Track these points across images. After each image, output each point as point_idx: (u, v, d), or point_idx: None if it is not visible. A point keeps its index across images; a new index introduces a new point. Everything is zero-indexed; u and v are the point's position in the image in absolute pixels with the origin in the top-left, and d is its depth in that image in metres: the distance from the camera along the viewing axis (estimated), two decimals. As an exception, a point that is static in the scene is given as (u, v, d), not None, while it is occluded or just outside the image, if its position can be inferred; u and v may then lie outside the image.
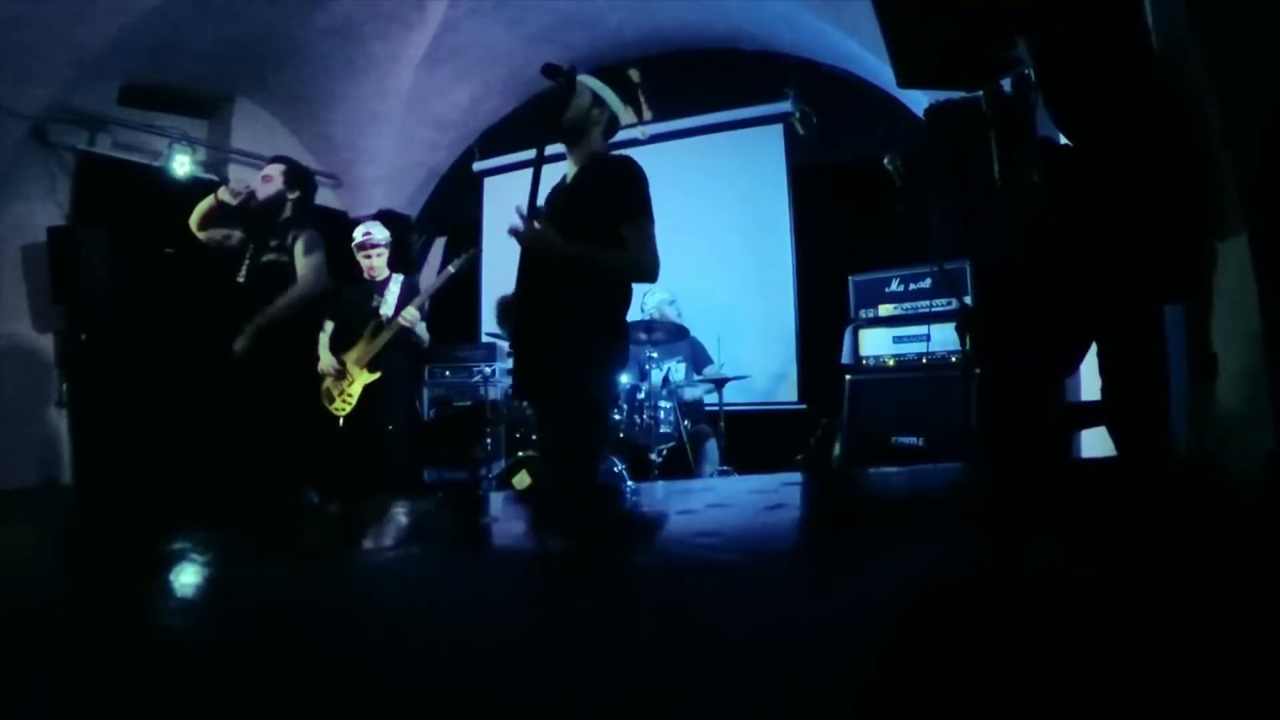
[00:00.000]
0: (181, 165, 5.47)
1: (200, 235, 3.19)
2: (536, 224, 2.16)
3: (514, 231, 2.20)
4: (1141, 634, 0.42)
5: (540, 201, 2.27)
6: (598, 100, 2.36)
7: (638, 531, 0.98)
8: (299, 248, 3.00)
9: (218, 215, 3.13)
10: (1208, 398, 1.67)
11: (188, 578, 0.69)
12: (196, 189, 5.58)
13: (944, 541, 0.73)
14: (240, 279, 3.12)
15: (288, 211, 3.13)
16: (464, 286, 6.01)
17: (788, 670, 0.39)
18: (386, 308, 3.90)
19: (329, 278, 3.16)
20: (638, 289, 2.36)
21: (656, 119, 6.11)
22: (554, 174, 2.40)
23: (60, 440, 5.18)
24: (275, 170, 3.14)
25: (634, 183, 2.19)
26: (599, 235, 2.14)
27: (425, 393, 5.96)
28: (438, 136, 6.67)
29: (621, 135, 2.49)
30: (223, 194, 3.07)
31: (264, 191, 3.07)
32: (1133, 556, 0.59)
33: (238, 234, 3.19)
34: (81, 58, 4.71)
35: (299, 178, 3.16)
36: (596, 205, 2.17)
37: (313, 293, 3.03)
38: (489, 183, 6.93)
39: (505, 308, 2.59)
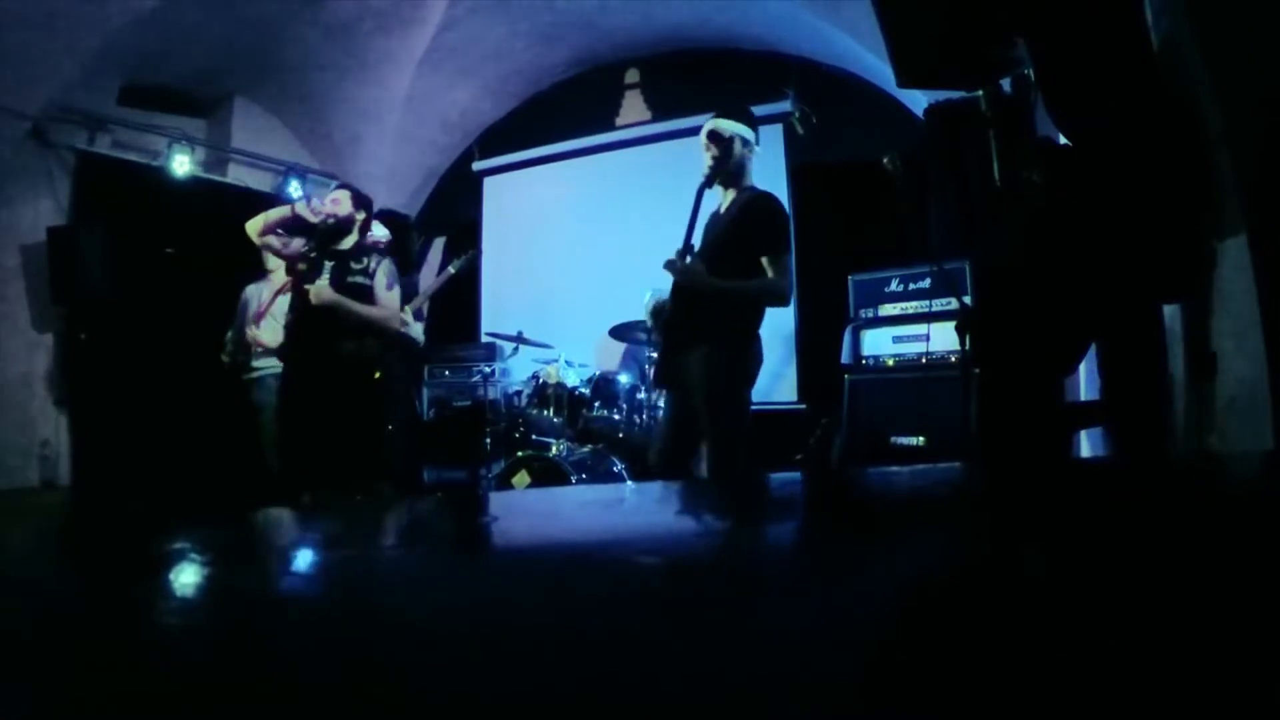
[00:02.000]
0: (181, 165, 5.47)
1: (257, 239, 3.44)
2: (689, 260, 2.57)
3: (669, 265, 2.60)
4: (1141, 634, 0.42)
5: (699, 228, 2.68)
6: (745, 141, 2.70)
7: (637, 531, 0.98)
8: (381, 279, 3.27)
9: (289, 225, 3.43)
10: (1207, 398, 1.67)
11: (187, 578, 0.69)
12: (196, 189, 5.60)
13: (944, 541, 0.73)
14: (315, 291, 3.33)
15: (354, 233, 3.35)
16: (463, 287, 6.01)
17: (788, 670, 0.39)
18: None
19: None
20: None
21: (656, 119, 6.16)
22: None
23: (60, 440, 5.18)
24: (343, 195, 3.37)
25: (780, 220, 2.62)
26: (745, 260, 2.56)
27: (425, 393, 5.96)
28: (437, 136, 6.67)
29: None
30: (301, 208, 3.36)
31: (339, 213, 3.30)
32: (1132, 556, 0.59)
33: (296, 242, 3.43)
34: (81, 58, 4.71)
35: (364, 202, 3.42)
36: (745, 236, 2.58)
37: (391, 322, 3.30)
38: (489, 182, 6.93)
39: (661, 310, 2.84)
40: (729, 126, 2.69)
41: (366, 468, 3.35)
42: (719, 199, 2.73)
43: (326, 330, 3.16)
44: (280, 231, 3.42)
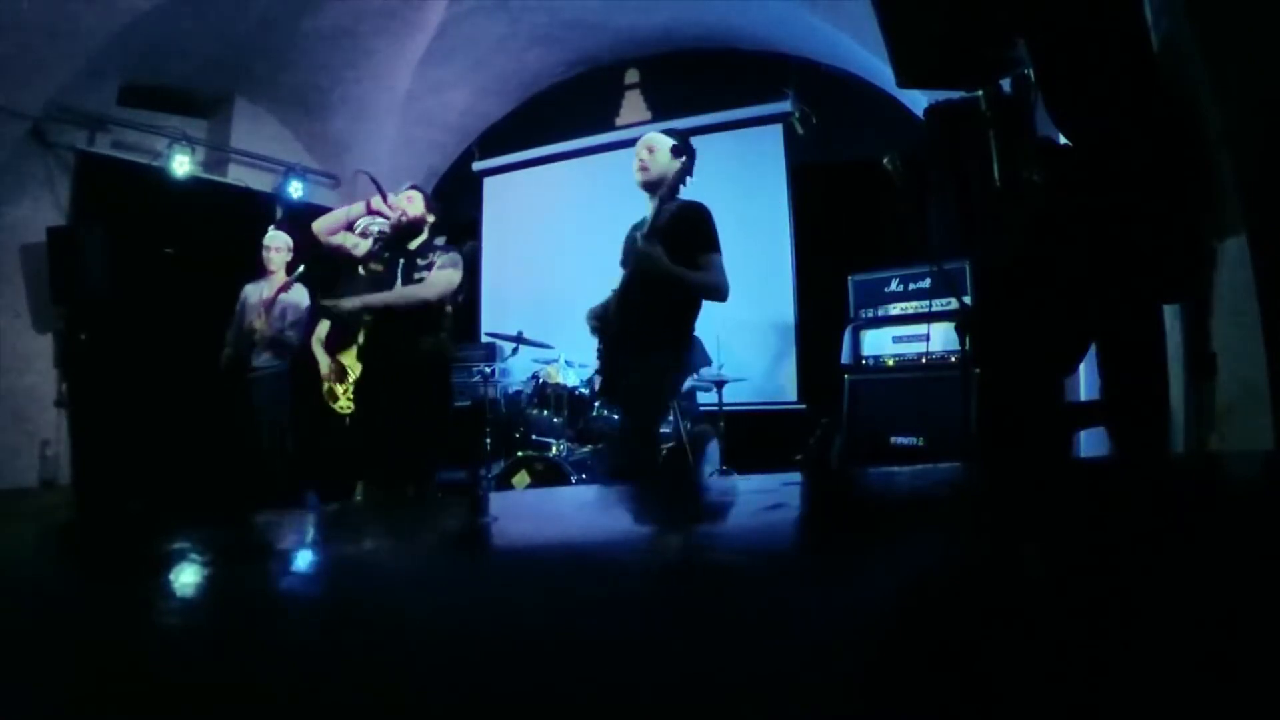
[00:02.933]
0: (181, 165, 5.47)
1: (325, 238, 3.39)
2: (650, 243, 2.65)
3: (631, 248, 2.71)
4: (1141, 634, 0.42)
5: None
6: (679, 153, 2.82)
7: (637, 531, 0.98)
8: (440, 260, 3.27)
9: (356, 222, 3.43)
10: (1207, 398, 1.67)
11: (187, 578, 0.69)
12: (196, 189, 5.61)
13: (944, 541, 0.73)
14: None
15: (425, 233, 3.37)
16: (463, 287, 6.01)
17: (788, 669, 0.39)
18: None
19: (457, 292, 3.39)
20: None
21: (656, 119, 6.16)
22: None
23: (60, 440, 5.18)
24: (416, 195, 3.38)
25: (712, 223, 2.76)
26: (682, 262, 2.65)
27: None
28: (437, 136, 6.67)
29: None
30: (378, 203, 3.36)
31: (411, 212, 3.31)
32: (1132, 556, 0.59)
33: (366, 243, 3.42)
34: (81, 58, 4.71)
35: (434, 206, 3.44)
36: (681, 238, 2.69)
37: (428, 295, 3.22)
38: (488, 182, 6.93)
39: (595, 318, 2.81)
40: (666, 139, 2.83)
41: (427, 464, 3.39)
42: (646, 210, 2.82)
43: (398, 329, 3.20)
44: (352, 229, 3.42)
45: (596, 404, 4.40)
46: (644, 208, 2.80)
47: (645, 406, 2.71)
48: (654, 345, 2.68)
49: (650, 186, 2.81)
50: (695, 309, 2.80)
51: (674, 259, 2.65)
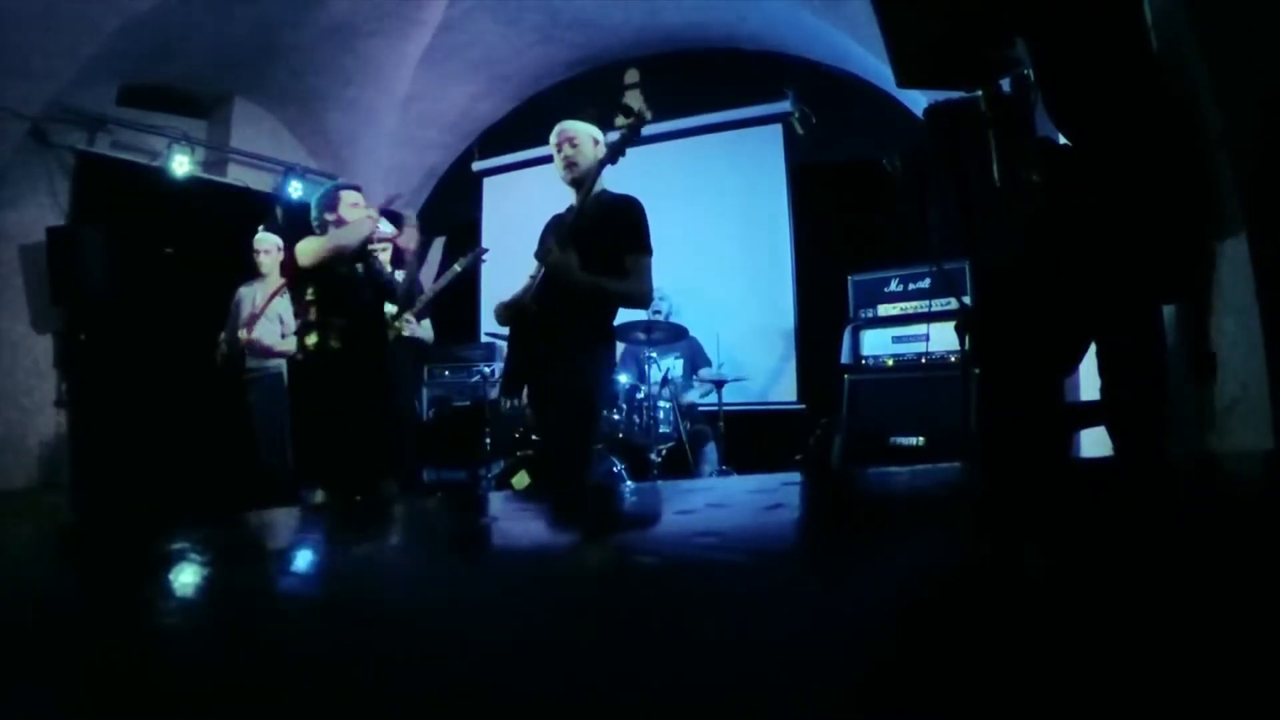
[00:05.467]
0: (181, 165, 5.47)
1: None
2: (561, 250, 2.46)
3: (543, 253, 2.54)
4: (1141, 634, 0.42)
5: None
6: (597, 140, 2.67)
7: (637, 531, 0.98)
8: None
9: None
10: (1207, 398, 1.67)
11: (187, 578, 0.69)
12: (196, 189, 5.61)
13: (944, 541, 0.73)
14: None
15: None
16: (464, 286, 6.01)
17: (788, 669, 0.39)
18: (386, 306, 3.90)
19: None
20: None
21: (656, 119, 6.15)
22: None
23: (60, 440, 5.18)
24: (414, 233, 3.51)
25: (645, 221, 2.53)
26: (606, 260, 2.46)
27: (425, 393, 5.95)
28: (437, 136, 6.67)
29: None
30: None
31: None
32: (1132, 556, 0.59)
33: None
34: (81, 58, 4.71)
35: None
36: (609, 235, 2.49)
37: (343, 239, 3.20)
38: (488, 182, 6.93)
39: (505, 310, 2.67)
40: (582, 126, 2.67)
41: (381, 464, 3.35)
42: (569, 201, 2.66)
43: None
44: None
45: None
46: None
47: (578, 422, 2.48)
48: (579, 348, 2.47)
49: (576, 183, 2.60)
50: (615, 307, 2.60)
51: (599, 258, 2.45)
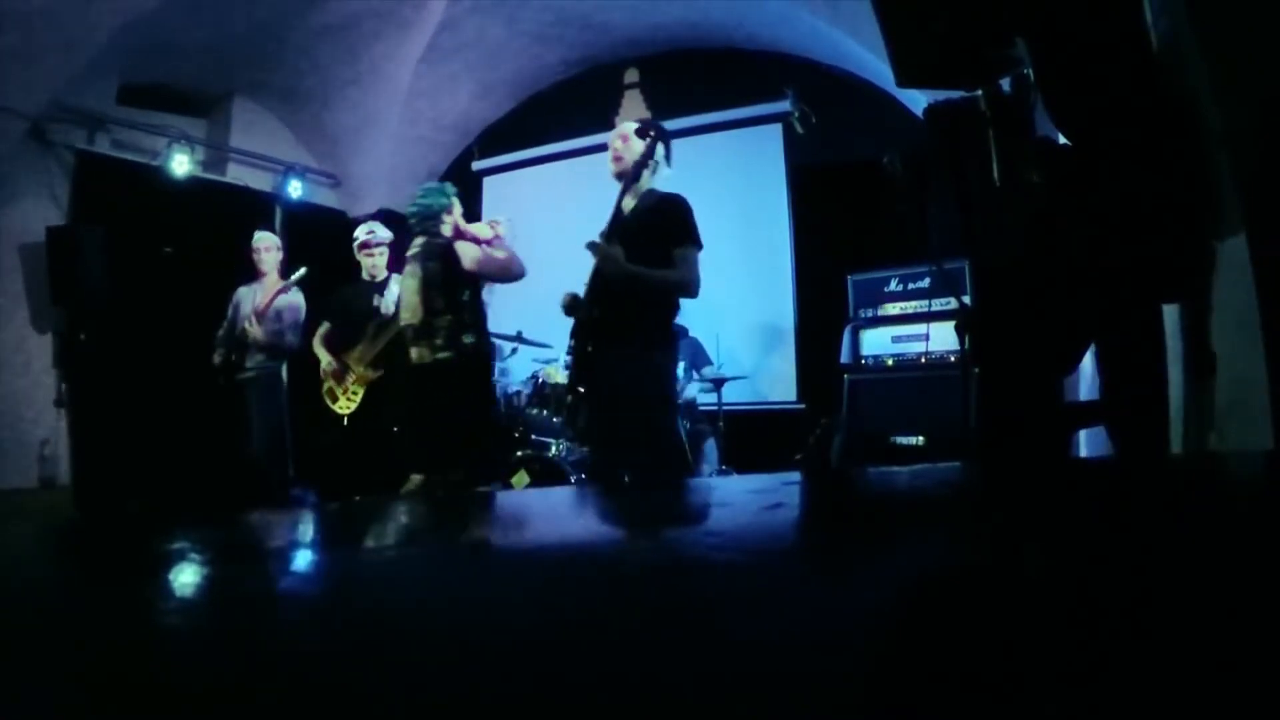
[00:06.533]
0: (180, 164, 5.47)
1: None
2: (608, 244, 2.57)
3: (592, 245, 2.62)
4: (1141, 634, 0.42)
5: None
6: (662, 146, 2.80)
7: (637, 531, 0.98)
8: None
9: None
10: (1207, 398, 1.67)
11: (187, 578, 0.69)
12: (195, 188, 5.61)
13: (944, 541, 0.73)
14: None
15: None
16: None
17: (787, 669, 0.39)
18: (386, 307, 3.90)
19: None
20: None
21: (656, 118, 6.15)
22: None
23: (59, 440, 5.18)
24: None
25: (691, 216, 2.64)
26: (655, 255, 2.55)
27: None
28: (437, 136, 6.67)
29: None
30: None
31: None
32: (1132, 556, 0.59)
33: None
34: (81, 57, 4.71)
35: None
36: (657, 230, 2.60)
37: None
38: (488, 182, 6.93)
39: (573, 304, 2.74)
40: (636, 126, 2.81)
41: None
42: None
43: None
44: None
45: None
46: None
47: (656, 407, 2.58)
48: (645, 342, 2.56)
49: (622, 176, 2.75)
50: (674, 301, 2.68)
51: (647, 252, 2.55)
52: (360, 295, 4.04)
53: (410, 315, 3.35)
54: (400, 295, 3.53)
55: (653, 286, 2.57)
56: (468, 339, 3.31)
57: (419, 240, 3.41)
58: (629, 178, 2.70)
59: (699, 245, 2.62)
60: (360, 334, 3.93)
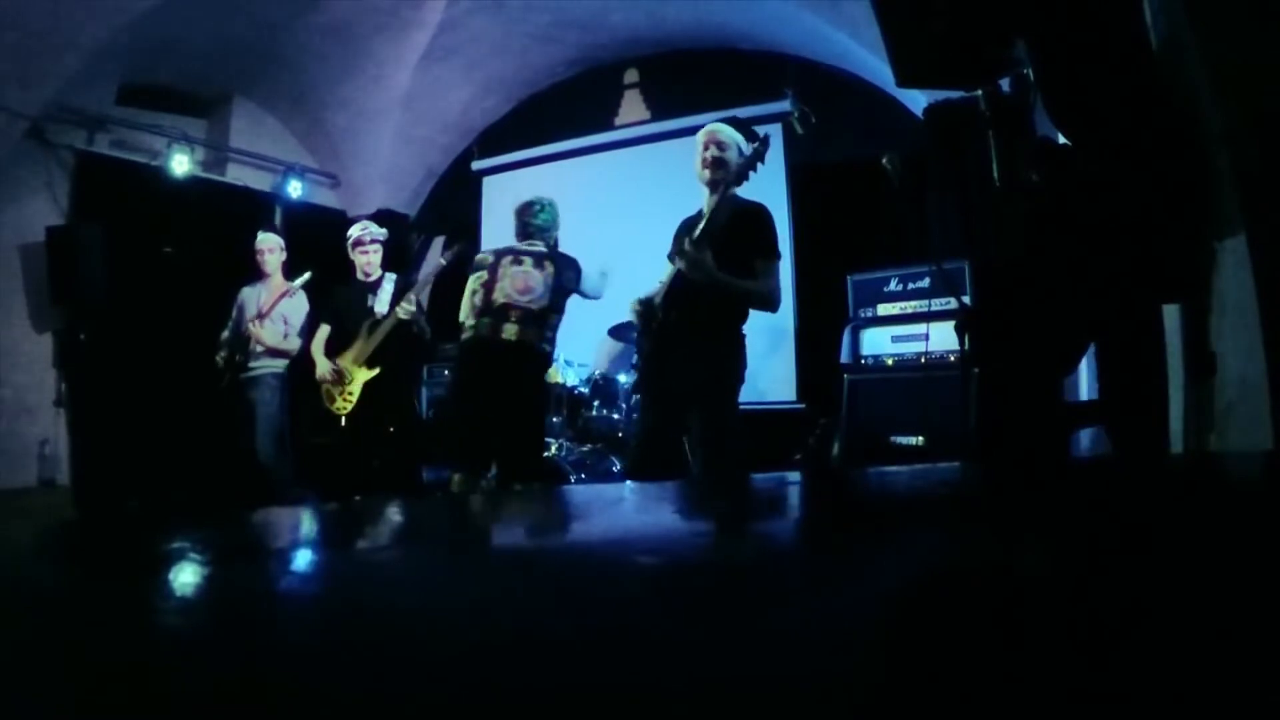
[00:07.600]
0: (180, 164, 5.47)
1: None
2: (697, 250, 2.54)
3: (678, 253, 2.61)
4: (1141, 634, 0.42)
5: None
6: (742, 151, 2.74)
7: (636, 530, 0.98)
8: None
9: None
10: (1207, 398, 1.67)
11: (187, 577, 0.69)
12: (195, 188, 5.61)
13: (944, 541, 0.73)
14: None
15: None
16: (464, 286, 6.02)
17: (787, 669, 0.39)
18: (380, 305, 3.90)
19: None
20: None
21: (655, 119, 6.16)
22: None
23: (59, 440, 5.18)
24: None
25: (773, 227, 2.67)
26: (737, 264, 2.55)
27: (425, 392, 5.95)
28: (436, 136, 6.67)
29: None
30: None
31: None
32: (1132, 556, 0.59)
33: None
34: (80, 57, 4.71)
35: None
36: (740, 239, 2.59)
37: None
38: (488, 182, 6.93)
39: (646, 309, 2.75)
40: (732, 134, 2.74)
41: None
42: (701, 204, 2.72)
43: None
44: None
45: (596, 403, 4.35)
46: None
47: (722, 403, 2.61)
48: (714, 346, 2.60)
49: (715, 184, 2.68)
50: (746, 310, 2.69)
51: (729, 261, 2.54)
52: (356, 296, 4.03)
53: (526, 298, 3.36)
54: (508, 275, 3.46)
55: (736, 296, 2.60)
56: (548, 346, 3.46)
57: (538, 242, 3.50)
58: (728, 183, 2.65)
59: (779, 257, 2.67)
60: (355, 334, 3.93)
